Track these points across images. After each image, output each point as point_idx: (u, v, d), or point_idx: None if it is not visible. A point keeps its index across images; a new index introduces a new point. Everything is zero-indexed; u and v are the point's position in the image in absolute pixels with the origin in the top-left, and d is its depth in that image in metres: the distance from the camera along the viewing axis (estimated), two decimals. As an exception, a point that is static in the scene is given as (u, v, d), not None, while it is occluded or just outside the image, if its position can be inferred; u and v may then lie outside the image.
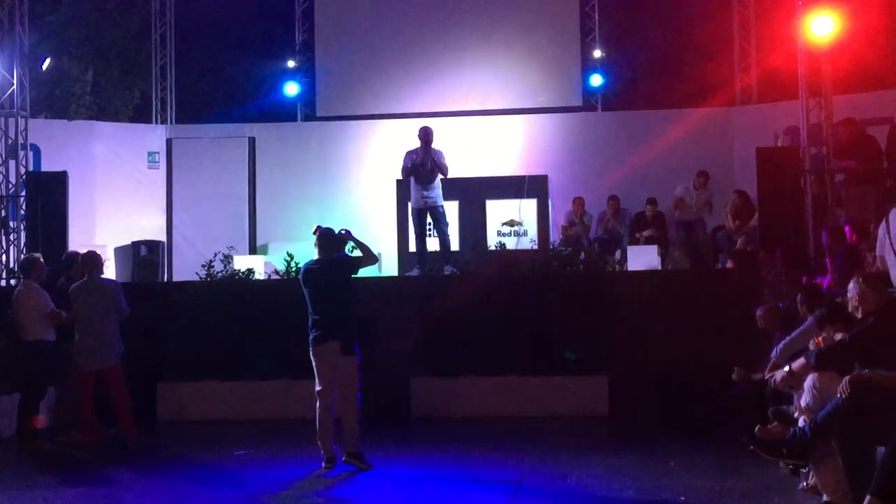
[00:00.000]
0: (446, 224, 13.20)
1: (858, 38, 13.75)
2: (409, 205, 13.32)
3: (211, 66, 20.18)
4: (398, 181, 14.52)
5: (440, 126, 13.82)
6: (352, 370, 8.58)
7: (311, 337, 8.64)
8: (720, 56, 17.61)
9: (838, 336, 6.67)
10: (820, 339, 6.87)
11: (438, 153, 13.04)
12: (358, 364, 8.61)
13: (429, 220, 13.16)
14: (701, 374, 10.25)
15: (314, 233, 8.79)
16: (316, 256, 8.82)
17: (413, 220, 13.32)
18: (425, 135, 13.10)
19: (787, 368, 6.95)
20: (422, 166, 12.94)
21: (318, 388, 8.65)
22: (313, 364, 8.66)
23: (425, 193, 13.02)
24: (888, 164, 12.63)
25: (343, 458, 8.58)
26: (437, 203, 13.09)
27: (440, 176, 13.02)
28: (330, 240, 8.83)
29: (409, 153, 13.15)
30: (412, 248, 14.03)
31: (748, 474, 7.84)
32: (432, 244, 13.24)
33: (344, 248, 9.21)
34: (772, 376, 7.47)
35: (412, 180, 13.11)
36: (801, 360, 6.80)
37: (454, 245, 13.80)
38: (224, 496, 7.94)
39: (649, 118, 17.05)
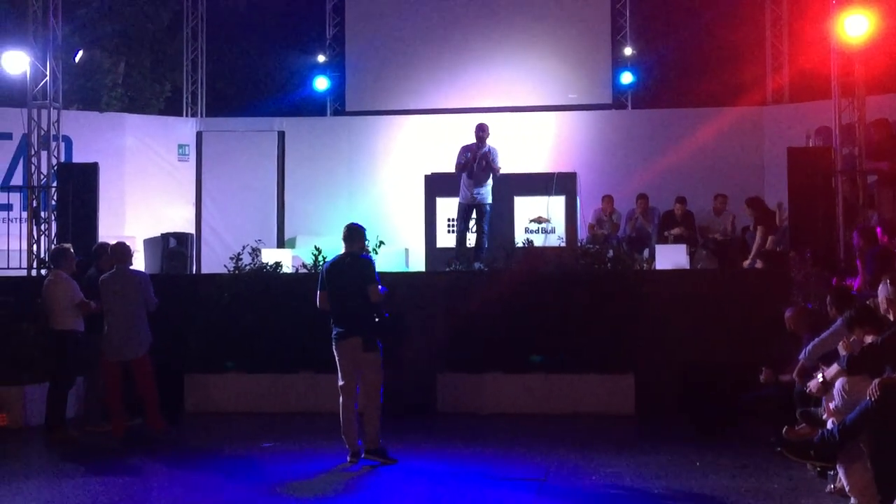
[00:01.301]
0: (489, 224, 13.26)
1: (892, 38, 13.62)
2: (458, 200, 13.38)
3: (242, 59, 20.29)
4: (426, 176, 14.52)
5: (469, 122, 13.82)
6: (374, 367, 8.62)
7: (333, 332, 8.69)
8: (752, 55, 17.52)
9: (868, 339, 6.61)
10: (848, 341, 6.81)
11: (493, 151, 13.13)
12: (380, 360, 8.64)
13: (474, 216, 13.22)
14: (728, 374, 10.18)
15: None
16: (343, 251, 8.83)
17: (458, 215, 13.40)
18: (480, 131, 13.21)
19: (820, 378, 6.88)
20: (475, 163, 13.01)
21: (340, 382, 8.70)
22: (336, 359, 8.71)
23: (476, 190, 13.14)
24: (921, 166, 12.52)
25: (364, 455, 8.62)
26: (485, 201, 13.22)
27: (492, 175, 13.11)
28: (356, 232, 8.85)
29: (463, 148, 13.26)
30: (440, 243, 14.06)
31: (775, 475, 7.80)
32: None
33: (365, 245, 9.17)
34: (803, 382, 7.43)
35: (463, 176, 13.18)
36: (834, 367, 6.74)
37: (483, 241, 13.81)
38: (250, 488, 7.98)
39: (680, 117, 16.97)
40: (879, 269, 9.07)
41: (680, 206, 15.25)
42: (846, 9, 12.66)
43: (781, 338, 9.21)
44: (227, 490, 7.96)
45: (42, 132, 14.45)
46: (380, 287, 8.64)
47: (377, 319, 8.66)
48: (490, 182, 13.21)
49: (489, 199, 13.25)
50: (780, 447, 6.59)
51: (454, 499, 7.59)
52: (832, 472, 7.02)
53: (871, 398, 6.03)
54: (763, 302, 10.83)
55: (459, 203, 13.34)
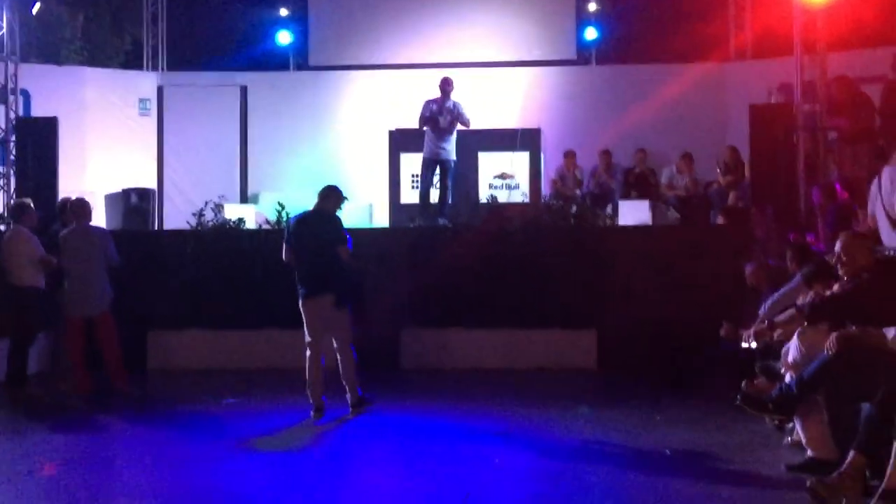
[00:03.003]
0: (453, 179, 13.23)
1: (854, -4, 13.67)
2: (422, 155, 13.28)
3: (203, 12, 19.98)
4: (390, 132, 14.46)
5: (433, 77, 13.75)
6: (344, 323, 8.72)
7: (302, 290, 8.70)
8: (715, 12, 17.48)
9: (827, 293, 6.68)
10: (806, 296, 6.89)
11: (458, 105, 13.09)
12: (349, 317, 8.75)
13: (438, 171, 13.18)
14: (689, 329, 10.29)
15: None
16: (313, 207, 8.86)
17: (422, 169, 13.31)
18: (445, 85, 13.15)
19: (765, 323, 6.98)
20: (440, 117, 12.95)
21: (307, 339, 8.74)
22: (303, 315, 8.72)
23: (440, 145, 13.07)
24: (881, 123, 12.59)
25: (350, 410, 8.74)
26: (449, 157, 13.15)
27: (457, 129, 13.07)
28: (335, 196, 8.92)
29: (427, 102, 13.18)
30: (403, 199, 14.03)
31: (734, 429, 7.90)
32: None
33: (340, 206, 9.14)
34: (762, 336, 7.52)
35: (427, 130, 13.12)
36: (788, 314, 6.82)
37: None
38: (213, 443, 7.98)
39: (643, 73, 16.94)
40: (839, 226, 9.16)
41: (641, 156, 15.40)
42: (809, -35, 12.68)
43: (743, 293, 9.31)
44: (191, 445, 7.96)
45: (0, 86, 14.23)
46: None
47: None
48: (454, 138, 13.17)
49: (453, 156, 13.20)
50: (739, 401, 6.67)
51: (420, 452, 7.64)
52: (790, 426, 7.12)
53: (828, 352, 6.10)
54: (724, 258, 10.92)
55: (424, 158, 13.26)
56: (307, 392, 8.74)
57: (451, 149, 13.14)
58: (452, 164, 13.21)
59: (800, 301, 6.99)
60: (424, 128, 13.17)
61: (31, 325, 10.18)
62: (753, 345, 7.72)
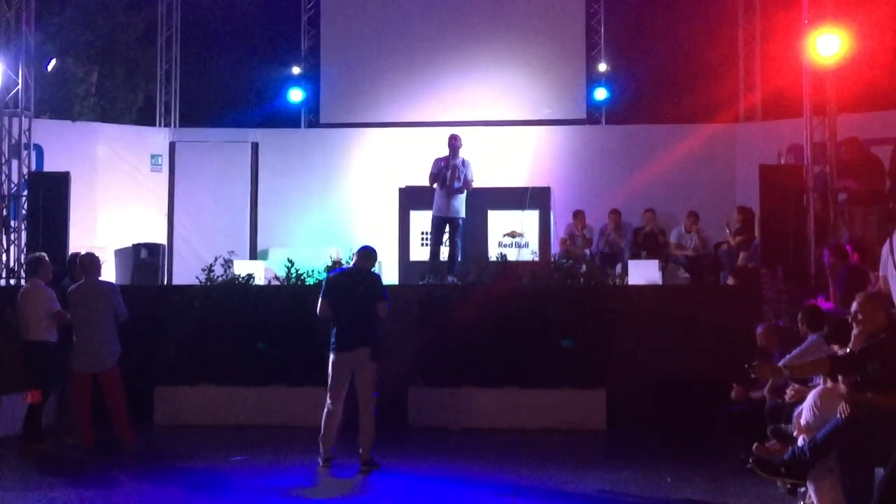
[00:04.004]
0: (462, 237, 13.25)
1: (864, 58, 13.73)
2: (432, 213, 13.34)
3: (216, 70, 20.17)
4: (400, 189, 14.52)
5: (443, 136, 13.81)
6: (374, 377, 8.91)
7: (338, 343, 8.88)
8: (725, 73, 17.61)
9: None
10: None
11: (466, 163, 13.18)
12: (378, 376, 8.95)
13: (447, 229, 13.20)
14: (700, 390, 10.23)
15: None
16: (352, 263, 9.25)
17: (432, 228, 13.37)
18: (453, 141, 13.21)
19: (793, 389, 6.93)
20: (448, 172, 13.00)
21: (330, 392, 8.92)
22: (330, 368, 8.92)
23: (449, 202, 13.11)
24: (891, 185, 12.61)
25: (360, 470, 8.77)
26: (458, 214, 13.18)
27: (465, 188, 13.15)
28: (370, 254, 9.26)
29: (436, 160, 13.24)
30: (413, 257, 14.05)
31: (746, 492, 7.81)
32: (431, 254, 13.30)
33: (374, 265, 9.45)
34: (773, 398, 7.47)
35: (437, 189, 13.18)
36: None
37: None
38: (219, 501, 7.91)
39: (653, 133, 17.03)
40: (851, 287, 9.12)
41: (650, 216, 15.42)
42: (818, 28, 12.76)
43: (752, 354, 9.25)
44: (196, 503, 7.88)
45: (13, 140, 14.33)
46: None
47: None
48: (464, 196, 13.20)
49: (463, 213, 13.24)
50: (750, 464, 6.60)
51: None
52: (802, 490, 7.03)
53: (841, 415, 6.05)
54: (734, 318, 10.88)
55: (433, 216, 13.31)
56: (319, 442, 8.84)
57: (459, 207, 13.17)
58: (461, 222, 13.23)
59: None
60: (434, 185, 13.21)
61: (46, 380, 10.10)
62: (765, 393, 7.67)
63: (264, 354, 11.53)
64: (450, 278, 12.77)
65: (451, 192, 13.09)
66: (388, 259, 14.98)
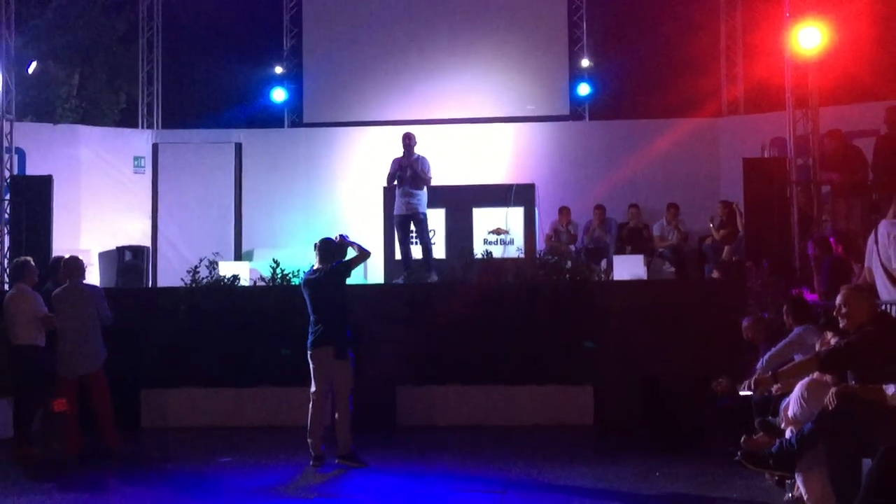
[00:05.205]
0: (428, 232, 13.20)
1: (845, 50, 13.80)
2: (394, 211, 13.28)
3: (198, 71, 20.12)
4: (384, 188, 14.47)
5: (428, 133, 13.82)
6: (345, 375, 8.95)
7: (309, 340, 8.98)
8: (707, 67, 17.65)
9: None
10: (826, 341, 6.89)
11: (423, 160, 13.02)
12: (351, 369, 9.01)
13: (412, 227, 13.14)
14: (686, 384, 10.22)
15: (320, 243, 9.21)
16: (315, 265, 9.15)
17: (396, 226, 13.26)
18: (408, 140, 13.10)
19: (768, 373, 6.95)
20: (403, 171, 12.94)
21: (312, 388, 8.96)
22: (310, 366, 8.96)
23: (408, 200, 12.99)
24: (874, 177, 12.66)
25: (337, 460, 8.85)
26: (418, 210, 13.02)
27: (425, 185, 13.04)
28: (329, 249, 9.20)
29: (395, 160, 13.16)
30: (398, 255, 14.00)
31: (734, 485, 7.82)
32: (416, 252, 13.23)
33: (344, 255, 9.41)
34: (760, 391, 7.45)
35: (397, 188, 13.09)
36: (790, 365, 6.79)
37: (441, 253, 13.76)
38: (208, 502, 7.88)
39: (636, 128, 17.05)
40: (835, 279, 9.16)
41: (634, 211, 15.43)
42: (800, 21, 12.82)
43: (739, 347, 9.28)
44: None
45: (-6, 144, 14.26)
46: (342, 236, 9.31)
47: (337, 238, 9.27)
48: (424, 191, 13.07)
49: (424, 208, 13.06)
50: (738, 456, 6.61)
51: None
52: (791, 481, 7.04)
53: (829, 407, 6.06)
54: (720, 312, 10.89)
55: (395, 215, 13.18)
56: (308, 441, 8.87)
57: (418, 203, 13.00)
58: (423, 217, 13.09)
59: (817, 347, 6.98)
60: (393, 184, 13.16)
61: (35, 384, 10.03)
62: (750, 393, 7.66)
63: (250, 356, 11.50)
64: (432, 275, 12.74)
65: (408, 190, 12.98)
66: (373, 258, 14.89)
